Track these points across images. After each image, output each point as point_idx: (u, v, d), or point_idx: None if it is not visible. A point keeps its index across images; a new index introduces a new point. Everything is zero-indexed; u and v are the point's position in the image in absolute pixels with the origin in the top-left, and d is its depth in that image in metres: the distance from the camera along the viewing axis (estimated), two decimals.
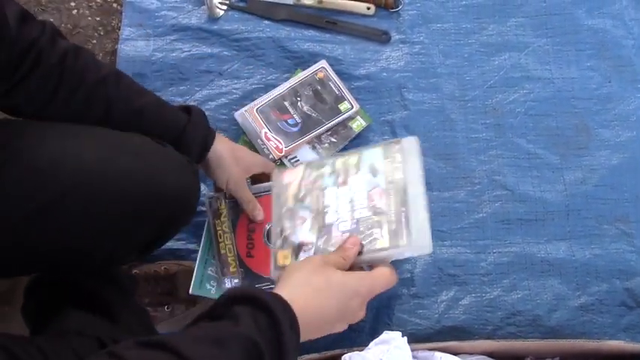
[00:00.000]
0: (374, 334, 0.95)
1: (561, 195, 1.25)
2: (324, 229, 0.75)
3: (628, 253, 1.23)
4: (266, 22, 1.33)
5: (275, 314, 0.58)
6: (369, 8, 1.33)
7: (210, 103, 1.28)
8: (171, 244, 1.19)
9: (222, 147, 0.98)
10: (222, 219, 1.08)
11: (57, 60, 0.79)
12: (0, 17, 0.70)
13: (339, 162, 0.79)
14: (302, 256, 0.75)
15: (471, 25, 1.35)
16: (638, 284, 1.21)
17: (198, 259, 1.09)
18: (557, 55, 1.34)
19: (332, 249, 0.73)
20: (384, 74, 1.31)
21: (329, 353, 0.98)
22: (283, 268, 0.75)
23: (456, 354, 0.98)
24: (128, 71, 1.26)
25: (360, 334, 1.16)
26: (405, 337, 0.95)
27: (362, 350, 0.94)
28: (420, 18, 1.34)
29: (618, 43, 1.34)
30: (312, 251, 0.75)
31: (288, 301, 0.61)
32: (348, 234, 0.73)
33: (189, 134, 0.93)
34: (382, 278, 0.69)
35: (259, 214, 1.07)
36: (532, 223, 1.24)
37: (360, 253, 0.71)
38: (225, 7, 1.33)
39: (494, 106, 1.30)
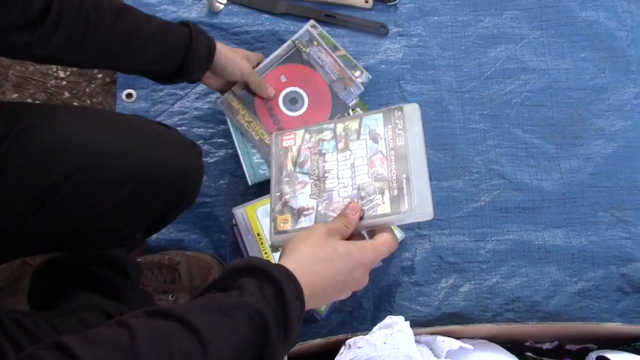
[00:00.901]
0: (376, 321, 0.96)
1: (557, 183, 1.28)
2: (324, 195, 0.75)
3: (623, 240, 1.25)
4: (265, 15, 1.34)
5: (280, 285, 0.59)
6: (367, 2, 1.35)
7: (210, 95, 1.29)
8: (174, 235, 1.21)
9: (222, 48, 1.04)
10: (241, 112, 1.14)
11: (78, 7, 0.81)
12: None
13: (340, 127, 0.79)
14: (302, 220, 0.75)
15: (467, 17, 1.37)
16: (634, 270, 1.24)
17: (240, 155, 1.17)
18: (551, 47, 1.36)
19: (333, 214, 0.73)
20: (383, 66, 1.32)
21: (333, 338, 0.99)
22: (283, 232, 0.75)
23: (457, 338, 1.00)
24: None
25: (362, 322, 1.18)
26: (408, 322, 0.97)
27: (366, 334, 0.95)
28: (417, 11, 1.36)
29: (611, 35, 1.36)
30: (313, 216, 0.75)
31: (294, 272, 0.62)
32: (348, 199, 0.74)
33: (197, 41, 0.96)
34: (384, 246, 0.70)
35: (272, 91, 1.16)
36: (529, 211, 1.26)
37: (360, 218, 0.72)
38: (224, 1, 1.34)
39: (491, 97, 1.32)
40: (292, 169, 0.79)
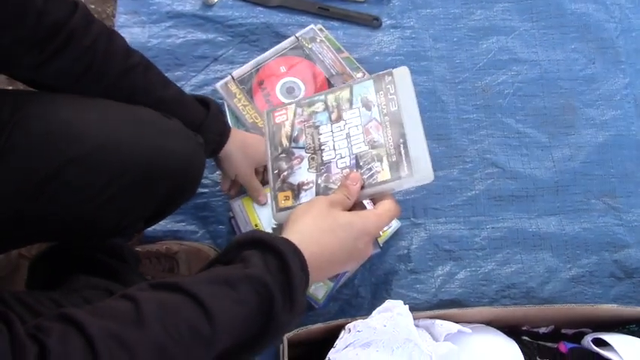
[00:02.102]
0: (373, 309, 0.96)
1: (550, 172, 1.29)
2: (323, 167, 0.75)
3: (615, 227, 1.27)
4: (259, 8, 1.35)
5: (285, 257, 0.59)
6: None
7: (206, 87, 1.30)
8: (171, 226, 1.21)
9: (233, 144, 1.01)
10: (238, 96, 1.16)
11: (89, 42, 0.79)
12: None
13: (331, 98, 0.78)
14: (303, 195, 0.74)
15: (459, 10, 1.39)
16: (626, 256, 1.26)
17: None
18: (542, 39, 1.38)
19: (333, 186, 0.73)
20: (377, 58, 1.34)
21: (333, 323, 1.00)
22: (285, 209, 0.75)
23: (456, 322, 1.01)
24: None
25: (359, 310, 1.18)
26: (407, 305, 0.98)
27: (365, 319, 0.96)
28: (410, 3, 1.38)
29: (601, 26, 1.39)
30: (313, 190, 0.74)
31: (298, 245, 0.62)
32: (347, 170, 0.73)
33: (206, 130, 0.95)
34: (387, 214, 0.70)
35: (262, 199, 1.11)
36: (523, 199, 1.28)
37: (361, 187, 0.71)
38: None
39: (484, 87, 1.34)
40: (287, 144, 0.78)
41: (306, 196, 0.74)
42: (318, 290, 1.14)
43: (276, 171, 0.77)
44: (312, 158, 0.76)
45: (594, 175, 1.30)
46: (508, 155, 1.30)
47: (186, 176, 0.88)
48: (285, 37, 1.32)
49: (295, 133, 0.78)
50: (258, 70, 1.21)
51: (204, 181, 1.23)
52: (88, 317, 0.50)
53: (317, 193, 0.74)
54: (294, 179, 0.76)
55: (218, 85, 1.17)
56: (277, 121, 0.80)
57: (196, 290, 0.55)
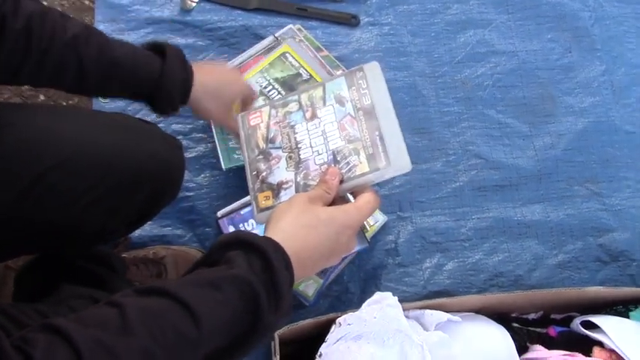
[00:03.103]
0: (363, 304, 0.98)
1: (532, 160, 1.31)
2: (301, 165, 0.75)
3: (599, 212, 1.29)
4: (238, 11, 1.36)
5: (268, 256, 0.59)
6: None
7: None
8: (157, 231, 1.21)
9: (199, 88, 0.93)
10: None
11: (22, 25, 0.76)
12: None
13: (305, 97, 0.79)
14: (283, 194, 0.75)
15: (435, 5, 1.40)
16: (611, 240, 1.27)
17: (216, 139, 1.16)
18: (519, 30, 1.40)
19: (312, 183, 0.73)
20: (356, 55, 1.35)
21: (324, 318, 1.00)
22: (266, 209, 0.75)
23: (445, 312, 1.01)
24: None
25: (349, 305, 1.18)
26: (396, 297, 0.98)
27: (356, 312, 0.96)
28: (387, 1, 1.39)
29: (576, 15, 1.41)
30: (293, 188, 0.75)
31: (281, 243, 0.62)
32: (326, 166, 0.74)
33: (166, 83, 0.88)
34: (367, 206, 0.69)
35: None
36: (507, 188, 1.29)
37: (340, 182, 0.72)
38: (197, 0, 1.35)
39: (463, 80, 1.35)
40: (264, 146, 0.79)
41: (285, 195, 0.75)
42: (308, 288, 1.14)
43: (255, 172, 0.78)
44: (290, 157, 0.76)
45: (576, 162, 1.32)
46: (490, 146, 1.31)
47: (167, 179, 0.88)
48: (264, 38, 1.33)
49: (271, 134, 0.79)
50: (239, 68, 1.21)
51: (189, 184, 1.23)
52: (73, 326, 0.50)
53: (296, 191, 0.74)
54: (273, 179, 0.76)
55: None
56: (252, 123, 0.81)
57: (181, 293, 0.54)
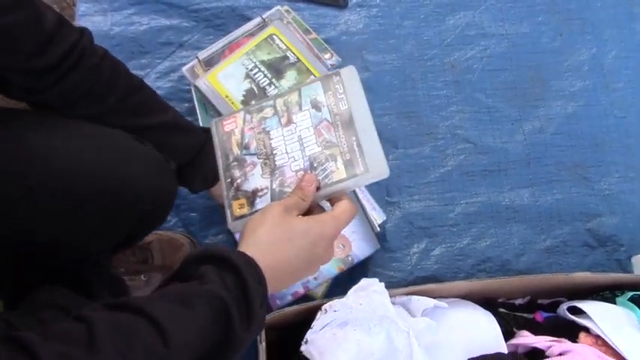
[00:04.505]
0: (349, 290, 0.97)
1: (521, 145, 1.30)
2: (276, 172, 0.74)
3: (587, 196, 1.28)
4: None
5: (240, 271, 0.58)
6: None
7: (172, 74, 1.28)
8: None
9: None
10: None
11: (96, 62, 0.79)
12: (40, 19, 0.70)
13: (280, 102, 0.77)
14: (258, 202, 0.73)
15: None
16: (599, 224, 1.27)
17: (200, 121, 1.17)
18: (509, 12, 1.38)
19: (288, 189, 0.72)
20: (344, 37, 1.33)
21: (310, 304, 0.99)
22: (241, 217, 0.73)
23: (432, 298, 1.01)
24: None
25: (336, 290, 1.18)
26: (383, 283, 0.98)
27: (342, 298, 0.95)
28: None
29: None
30: (268, 196, 0.73)
31: (253, 257, 0.61)
32: (302, 172, 0.72)
33: (205, 155, 0.94)
34: (344, 215, 0.68)
35: None
36: (495, 173, 1.28)
37: (317, 189, 0.71)
38: None
39: (453, 63, 1.34)
40: (239, 152, 0.77)
41: (261, 202, 0.73)
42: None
43: (229, 180, 0.76)
44: (265, 163, 0.75)
45: (565, 146, 1.31)
46: (479, 130, 1.30)
47: (157, 204, 0.85)
48: (251, 20, 1.30)
49: (246, 140, 0.77)
50: (224, 50, 1.19)
51: None
52: (39, 342, 0.48)
53: (272, 199, 0.73)
54: (248, 186, 0.74)
55: (184, 68, 1.16)
56: (226, 129, 0.79)
57: (151, 309, 0.53)
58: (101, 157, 0.78)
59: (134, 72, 1.23)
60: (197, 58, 1.16)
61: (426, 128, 1.30)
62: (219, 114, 1.11)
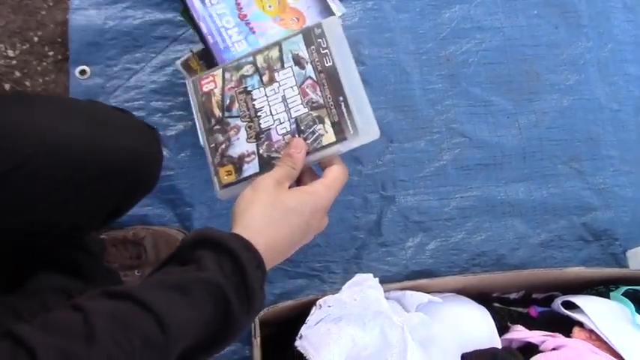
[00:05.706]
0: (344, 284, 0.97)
1: (517, 139, 1.30)
2: (262, 136, 0.70)
3: (582, 190, 1.29)
4: None
5: (238, 257, 0.58)
6: None
7: (166, 68, 1.27)
8: (138, 210, 1.18)
9: None
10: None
11: None
12: None
13: (260, 59, 0.72)
14: (245, 168, 0.70)
15: None
16: (594, 219, 1.27)
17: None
18: (505, 5, 1.37)
19: (276, 155, 0.69)
20: None
21: (304, 299, 1.00)
22: (229, 185, 0.71)
23: (426, 293, 1.01)
24: (81, 41, 1.25)
25: (331, 285, 1.18)
26: (377, 278, 0.98)
27: (336, 294, 0.95)
28: None
29: None
30: (256, 161, 0.70)
31: (250, 240, 0.60)
32: (289, 136, 0.69)
33: None
34: (336, 182, 0.67)
35: None
36: (490, 167, 1.28)
37: (307, 153, 0.68)
38: None
39: (448, 57, 1.33)
40: (220, 114, 0.72)
41: (248, 169, 0.70)
42: None
43: (213, 145, 0.72)
44: (250, 127, 0.71)
45: (560, 140, 1.31)
46: (474, 124, 1.30)
47: (143, 173, 0.84)
48: None
49: (227, 101, 0.72)
50: None
51: (169, 163, 1.21)
52: (35, 335, 0.48)
53: (260, 164, 0.70)
54: (234, 152, 0.71)
55: (178, 62, 1.15)
56: (205, 89, 0.74)
57: (147, 298, 0.53)
58: (86, 130, 0.77)
59: (128, 66, 1.25)
60: (191, 51, 1.15)
61: (422, 122, 1.29)
62: None
